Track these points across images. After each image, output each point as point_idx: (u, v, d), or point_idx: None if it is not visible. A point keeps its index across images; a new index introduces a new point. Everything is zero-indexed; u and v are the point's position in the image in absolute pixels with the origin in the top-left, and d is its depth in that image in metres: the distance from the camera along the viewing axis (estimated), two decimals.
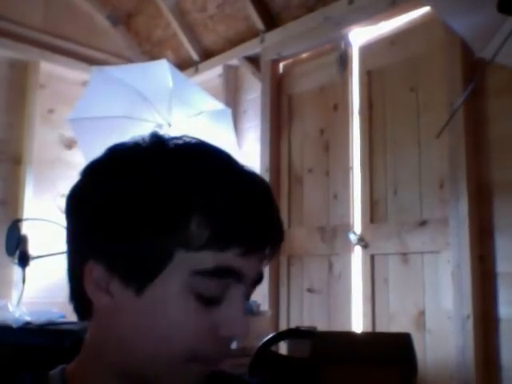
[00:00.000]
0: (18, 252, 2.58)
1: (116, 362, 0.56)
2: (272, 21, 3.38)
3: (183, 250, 0.53)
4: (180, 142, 0.59)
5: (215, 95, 3.29)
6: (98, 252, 0.55)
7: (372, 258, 2.79)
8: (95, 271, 0.55)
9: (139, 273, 0.53)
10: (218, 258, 0.53)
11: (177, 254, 0.53)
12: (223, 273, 0.54)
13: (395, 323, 2.63)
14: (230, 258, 0.54)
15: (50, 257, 2.69)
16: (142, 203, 0.53)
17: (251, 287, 0.59)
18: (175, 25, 3.76)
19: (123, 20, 4.07)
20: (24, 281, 2.63)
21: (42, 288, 3.28)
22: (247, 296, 0.59)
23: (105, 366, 0.57)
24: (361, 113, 2.95)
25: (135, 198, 0.54)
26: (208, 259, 0.53)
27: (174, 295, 0.53)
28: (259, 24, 3.39)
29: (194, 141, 0.60)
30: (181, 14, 3.75)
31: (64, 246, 0.61)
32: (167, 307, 0.53)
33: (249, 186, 0.58)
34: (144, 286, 0.53)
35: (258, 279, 0.59)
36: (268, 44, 3.38)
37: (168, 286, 0.53)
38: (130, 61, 4.05)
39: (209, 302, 0.54)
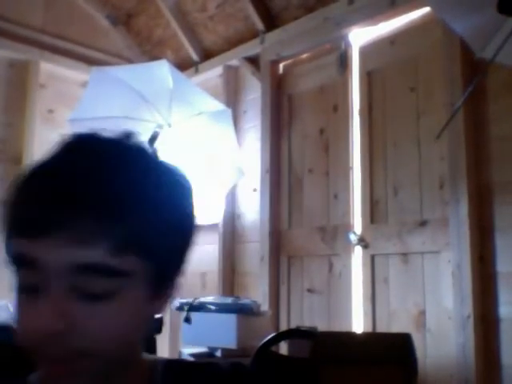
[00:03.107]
0: None
1: None
2: (272, 21, 3.38)
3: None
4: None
5: (215, 95, 3.29)
6: None
7: (372, 258, 2.79)
8: None
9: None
10: (14, 247, 0.52)
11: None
12: (18, 261, 0.52)
13: (395, 323, 2.63)
14: (22, 245, 0.51)
15: None
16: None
17: (81, 278, 0.51)
18: (175, 25, 3.77)
19: (123, 20, 4.07)
20: None
21: None
22: (80, 289, 0.51)
23: None
24: (361, 113, 2.95)
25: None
26: (10, 249, 0.53)
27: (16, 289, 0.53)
28: (259, 24, 3.39)
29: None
30: (181, 15, 3.75)
31: None
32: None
33: (40, 170, 0.53)
34: None
35: (84, 266, 0.50)
36: (268, 44, 3.38)
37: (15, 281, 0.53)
38: (129, 61, 4.05)
39: (29, 293, 0.52)
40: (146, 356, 0.63)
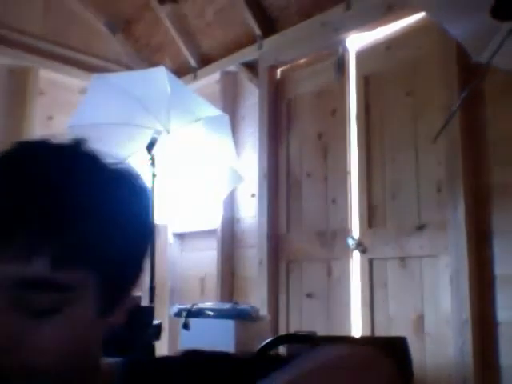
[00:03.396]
0: None
1: None
2: (270, 27, 3.40)
3: None
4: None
5: (213, 101, 3.30)
6: None
7: (370, 262, 2.79)
8: None
9: None
10: None
11: None
12: None
13: (394, 327, 2.63)
14: None
15: None
16: None
17: (28, 293, 0.49)
18: (173, 31, 3.78)
19: (122, 27, 4.09)
20: None
21: None
22: (21, 303, 0.49)
23: None
24: (358, 117, 2.96)
25: None
26: None
27: None
28: (257, 30, 3.40)
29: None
30: (179, 21, 3.77)
31: None
32: None
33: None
34: None
35: (28, 283, 0.48)
36: (266, 50, 3.39)
37: None
38: (128, 67, 4.07)
39: None
40: (106, 360, 0.61)
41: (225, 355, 0.66)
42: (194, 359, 0.64)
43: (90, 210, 0.50)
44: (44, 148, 0.54)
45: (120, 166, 0.56)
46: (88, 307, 0.53)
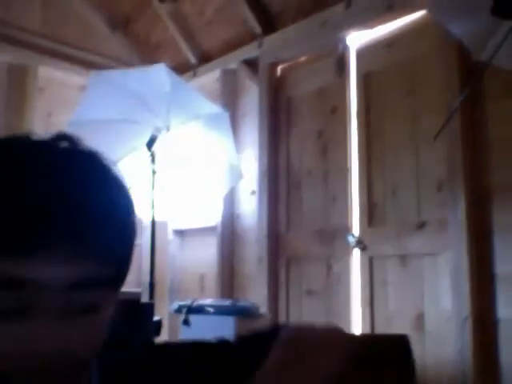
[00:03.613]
0: None
1: None
2: (270, 25, 3.39)
3: None
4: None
5: (213, 99, 3.30)
6: None
7: (371, 260, 2.80)
8: None
9: None
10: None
11: None
12: (2, 283, 0.49)
13: (394, 325, 2.64)
14: (7, 266, 0.48)
15: None
16: None
17: (74, 294, 0.51)
18: (173, 29, 3.78)
19: (122, 24, 4.08)
20: None
21: None
22: (70, 306, 0.51)
23: None
24: (358, 115, 2.96)
25: None
26: None
27: None
28: (257, 28, 3.40)
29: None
30: (179, 18, 3.76)
31: None
32: None
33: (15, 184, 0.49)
34: None
35: (80, 283, 0.51)
36: (266, 48, 3.39)
37: None
38: (128, 65, 4.06)
39: (13, 316, 0.49)
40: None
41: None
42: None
43: (109, 209, 0.54)
44: (57, 152, 0.55)
45: (111, 166, 0.58)
46: (113, 299, 0.55)
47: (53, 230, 0.49)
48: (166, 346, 0.68)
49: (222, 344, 0.68)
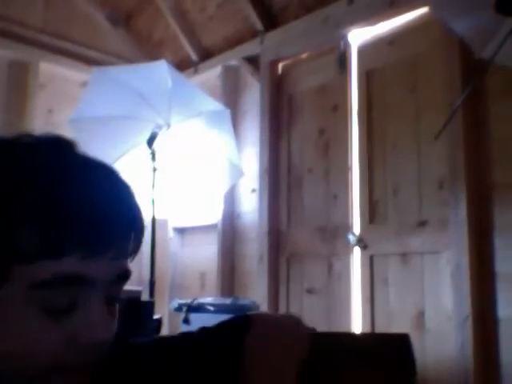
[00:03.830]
0: None
1: None
2: (271, 21, 3.38)
3: (19, 265, 0.50)
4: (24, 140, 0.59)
5: (214, 96, 3.29)
6: None
7: (371, 258, 2.79)
8: None
9: None
10: (55, 267, 0.50)
11: (14, 269, 0.50)
12: (64, 281, 0.51)
13: (395, 324, 2.63)
14: (69, 264, 0.51)
15: None
16: None
17: (114, 286, 0.55)
18: (175, 25, 3.77)
19: (123, 20, 4.08)
20: None
21: None
22: (110, 297, 0.55)
23: None
24: (359, 113, 2.95)
25: None
26: (44, 269, 0.50)
27: (19, 312, 0.50)
28: (258, 24, 3.39)
29: (30, 140, 0.59)
30: (180, 15, 3.76)
31: None
32: (16, 325, 0.51)
33: (80, 185, 0.53)
34: None
35: (121, 276, 0.56)
36: (267, 44, 3.38)
37: (10, 304, 0.50)
38: (129, 61, 4.05)
39: (60, 312, 0.51)
40: None
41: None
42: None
43: (141, 214, 0.60)
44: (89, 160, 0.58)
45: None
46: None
47: (116, 233, 0.54)
48: (142, 343, 0.70)
49: (200, 333, 0.70)
